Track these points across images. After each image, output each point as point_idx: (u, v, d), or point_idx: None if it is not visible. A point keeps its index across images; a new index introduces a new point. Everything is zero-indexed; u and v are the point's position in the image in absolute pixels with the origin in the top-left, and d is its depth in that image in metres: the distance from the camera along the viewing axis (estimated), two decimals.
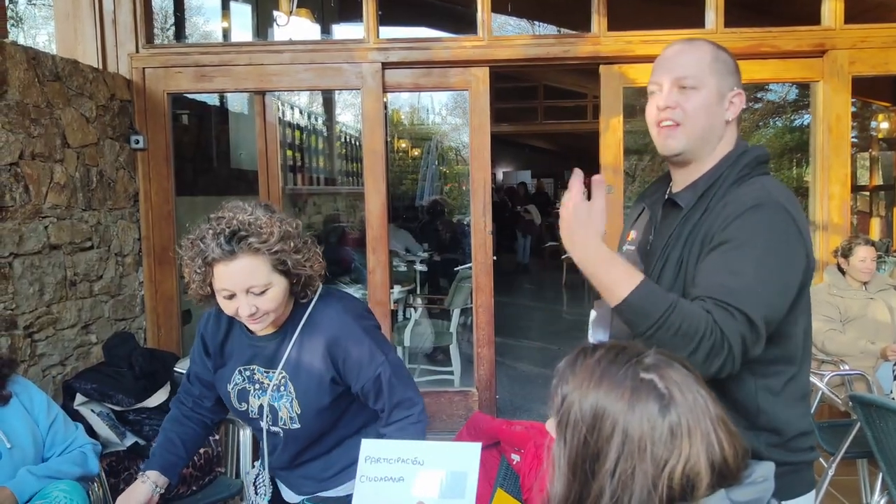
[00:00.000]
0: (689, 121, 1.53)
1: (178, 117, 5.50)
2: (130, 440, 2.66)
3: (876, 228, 7.29)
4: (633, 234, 1.72)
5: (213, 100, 6.17)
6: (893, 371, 2.63)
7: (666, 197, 1.63)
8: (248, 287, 1.61)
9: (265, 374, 1.78)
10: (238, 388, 1.81)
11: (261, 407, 1.79)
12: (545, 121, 10.42)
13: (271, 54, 4.51)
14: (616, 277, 1.37)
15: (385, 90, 4.54)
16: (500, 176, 17.26)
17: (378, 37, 4.48)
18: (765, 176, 1.53)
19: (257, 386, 1.79)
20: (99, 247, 3.83)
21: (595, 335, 1.67)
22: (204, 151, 5.73)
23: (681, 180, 1.61)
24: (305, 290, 1.75)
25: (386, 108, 4.70)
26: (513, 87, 9.99)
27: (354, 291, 5.81)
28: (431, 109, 15.10)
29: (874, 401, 2.45)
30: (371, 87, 4.47)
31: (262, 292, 1.63)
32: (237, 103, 6.82)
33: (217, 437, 2.90)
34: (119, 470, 2.56)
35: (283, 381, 1.75)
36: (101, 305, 3.84)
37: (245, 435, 2.94)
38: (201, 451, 2.77)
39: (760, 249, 1.39)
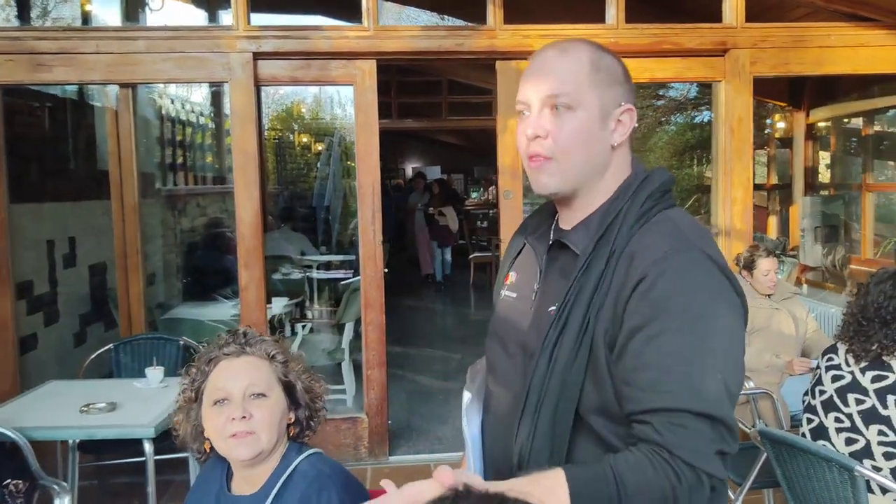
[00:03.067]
0: (563, 153, 1.18)
1: (26, 111, 4.83)
2: None
3: (773, 227, 7.32)
4: (512, 277, 1.35)
5: (71, 90, 5.47)
6: (803, 401, 2.39)
7: (553, 235, 1.28)
8: (247, 384, 1.51)
9: None
10: None
11: None
12: (450, 116, 10.12)
13: (123, 41, 3.94)
14: (543, 496, 1.03)
15: (257, 83, 4.05)
16: (409, 172, 16.92)
17: (249, 23, 4.00)
18: (672, 209, 1.20)
19: None
20: None
21: (470, 424, 1.29)
22: (57, 151, 5.07)
23: (568, 216, 1.26)
24: (301, 432, 1.61)
25: (259, 102, 4.22)
26: (417, 81, 9.67)
27: (235, 306, 5.29)
28: (337, 102, 14.55)
29: (785, 439, 2.19)
30: (240, 79, 3.98)
31: (261, 395, 1.51)
32: (105, 95, 6.13)
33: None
34: None
35: None
36: None
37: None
38: None
39: (697, 323, 1.07)
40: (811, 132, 6.24)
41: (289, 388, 1.57)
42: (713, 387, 1.04)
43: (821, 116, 6.16)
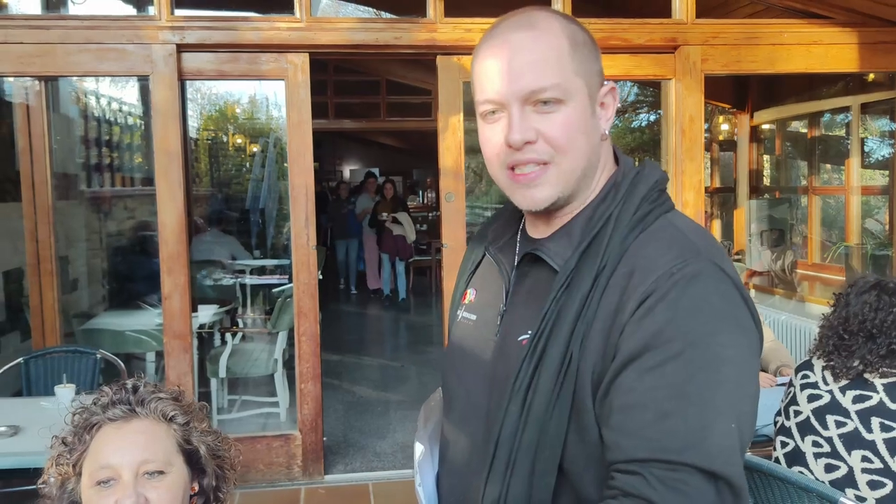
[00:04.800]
0: (562, 155, 0.96)
1: None
2: None
3: (716, 230, 7.29)
4: (471, 295, 1.12)
5: None
6: (775, 422, 2.23)
7: (520, 246, 1.06)
8: (140, 461, 1.20)
9: None
10: None
11: None
12: (389, 117, 9.86)
13: (34, 31, 3.61)
14: None
15: (182, 77, 3.75)
16: (346, 174, 16.61)
17: (172, 13, 3.69)
18: (672, 213, 0.99)
19: None
20: None
21: (424, 481, 1.06)
22: None
23: (542, 223, 1.03)
24: None
25: (184, 98, 3.90)
26: (355, 80, 9.39)
27: (160, 315, 4.91)
28: (273, 102, 14.11)
29: (760, 466, 2.01)
30: (163, 73, 3.67)
31: (158, 474, 1.20)
32: (27, 90, 5.66)
33: None
34: None
35: None
36: None
37: None
38: None
39: (708, 355, 0.86)
40: (756, 134, 6.22)
41: (191, 455, 1.28)
42: (724, 437, 0.84)
43: (765, 118, 6.14)
